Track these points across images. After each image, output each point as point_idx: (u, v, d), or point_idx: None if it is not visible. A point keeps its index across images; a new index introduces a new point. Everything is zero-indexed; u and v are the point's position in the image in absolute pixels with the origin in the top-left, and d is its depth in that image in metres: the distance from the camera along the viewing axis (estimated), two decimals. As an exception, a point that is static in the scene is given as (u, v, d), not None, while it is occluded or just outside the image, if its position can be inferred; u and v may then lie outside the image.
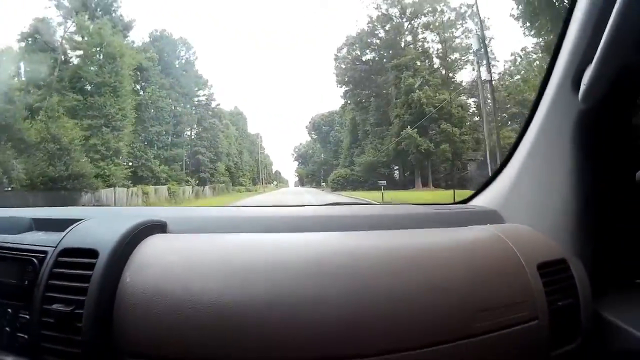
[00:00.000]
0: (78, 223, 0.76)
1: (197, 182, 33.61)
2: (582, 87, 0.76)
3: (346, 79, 32.95)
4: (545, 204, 0.93)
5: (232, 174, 43.48)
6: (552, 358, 0.69)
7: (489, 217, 1.00)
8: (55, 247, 0.69)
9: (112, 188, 16.22)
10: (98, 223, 0.76)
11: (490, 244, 0.77)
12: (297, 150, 62.81)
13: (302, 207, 1.16)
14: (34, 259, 0.68)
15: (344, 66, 32.67)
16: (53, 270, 0.65)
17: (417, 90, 23.31)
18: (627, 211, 0.84)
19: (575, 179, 0.85)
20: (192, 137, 35.90)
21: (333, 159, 46.77)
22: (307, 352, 0.56)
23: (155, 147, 25.25)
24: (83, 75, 16.75)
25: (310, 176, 56.11)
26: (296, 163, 62.76)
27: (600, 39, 0.67)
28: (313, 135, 54.85)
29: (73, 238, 0.70)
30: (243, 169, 49.15)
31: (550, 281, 0.73)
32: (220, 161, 38.09)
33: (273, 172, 74.97)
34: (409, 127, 22.71)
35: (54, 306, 0.61)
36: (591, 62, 0.71)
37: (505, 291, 0.68)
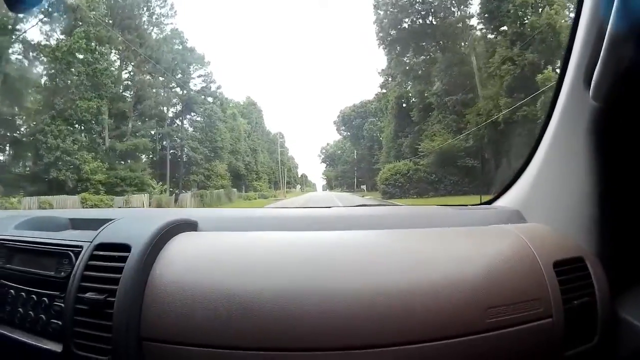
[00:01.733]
0: (112, 221, 0.82)
1: (195, 185, 25.12)
2: (592, 84, 0.76)
3: (391, 36, 22.56)
4: (565, 203, 0.92)
5: (243, 176, 35.33)
6: (566, 357, 0.69)
7: (510, 217, 1.02)
8: (91, 241, 0.75)
9: None
10: (131, 221, 0.83)
11: (507, 242, 0.79)
12: (324, 151, 56.09)
13: (328, 208, 1.18)
14: (70, 252, 0.74)
15: (386, 20, 22.49)
16: (88, 262, 0.72)
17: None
18: None
19: (593, 177, 0.84)
20: (181, 124, 27.24)
21: (369, 155, 37.67)
22: (321, 341, 0.59)
23: (96, 134, 16.27)
24: None
25: (340, 178, 48.32)
26: (324, 165, 55.49)
27: (604, 38, 0.69)
28: (342, 131, 46.70)
29: (107, 234, 0.77)
30: (258, 171, 40.75)
31: (566, 279, 0.73)
32: (220, 159, 28.98)
33: (299, 176, 67.75)
34: (549, 68, 11.92)
35: (88, 294, 0.67)
36: (598, 59, 0.72)
37: (520, 288, 0.68)
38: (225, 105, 34.23)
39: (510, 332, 0.64)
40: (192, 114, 28.85)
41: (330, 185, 54.16)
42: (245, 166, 37.37)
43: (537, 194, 1.02)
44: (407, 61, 22.08)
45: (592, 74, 0.75)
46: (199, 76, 30.17)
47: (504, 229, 0.85)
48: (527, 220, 1.01)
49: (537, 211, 1.00)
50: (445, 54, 19.27)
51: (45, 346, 0.69)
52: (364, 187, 34.32)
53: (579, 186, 0.85)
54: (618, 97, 0.75)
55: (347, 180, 45.84)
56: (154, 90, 21.08)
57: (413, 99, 21.72)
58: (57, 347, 0.68)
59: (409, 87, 23.19)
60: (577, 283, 0.73)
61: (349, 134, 45.31)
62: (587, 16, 0.76)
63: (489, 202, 1.26)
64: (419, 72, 21.25)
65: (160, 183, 17.58)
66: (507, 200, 1.15)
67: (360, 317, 0.60)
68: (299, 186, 55.70)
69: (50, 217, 0.98)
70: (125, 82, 19.21)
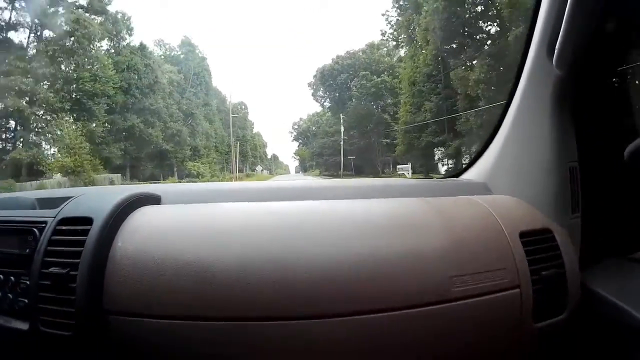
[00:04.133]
0: (75, 197, 0.81)
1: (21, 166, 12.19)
2: (556, 52, 0.78)
3: None
4: (531, 175, 0.93)
5: (167, 152, 21.92)
6: (537, 329, 0.70)
7: (476, 189, 1.01)
8: (55, 217, 0.74)
9: None
10: (94, 196, 0.82)
11: (472, 212, 0.79)
12: (296, 127, 43.66)
13: (292, 181, 1.17)
14: (34, 229, 0.73)
15: None
16: (52, 237, 0.71)
17: None
18: (614, 183, 0.85)
19: (558, 148, 0.85)
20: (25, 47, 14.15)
21: (365, 120, 25.24)
22: (288, 311, 0.60)
23: None
24: None
25: (317, 157, 35.96)
26: (296, 144, 46.86)
27: (566, 6, 0.71)
28: (320, 96, 33.88)
29: (70, 209, 0.76)
30: (197, 147, 27.01)
31: (533, 250, 0.73)
32: (90, 116, 15.16)
33: (268, 156, 54.96)
34: None
35: (51, 269, 0.66)
36: (560, 28, 0.75)
37: (485, 258, 0.68)
38: (121, 27, 19.81)
39: (478, 301, 0.64)
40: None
41: (304, 167, 42.12)
42: (171, 137, 23.51)
43: (503, 167, 1.02)
44: None
45: (555, 42, 0.76)
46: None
47: (469, 199, 0.84)
48: (493, 192, 1.00)
49: (504, 183, 0.99)
50: None
51: (12, 325, 0.68)
52: (406, 167, 19.78)
53: (545, 158, 0.86)
54: (581, 65, 0.77)
55: (329, 159, 32.65)
56: None
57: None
58: (23, 326, 0.67)
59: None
60: (544, 254, 0.73)
61: (329, 98, 33.04)
62: None
63: (456, 176, 1.26)
64: None
65: None
66: (474, 174, 1.14)
67: (326, 286, 0.61)
68: (259, 167, 42.93)
69: (16, 197, 0.97)
70: None
